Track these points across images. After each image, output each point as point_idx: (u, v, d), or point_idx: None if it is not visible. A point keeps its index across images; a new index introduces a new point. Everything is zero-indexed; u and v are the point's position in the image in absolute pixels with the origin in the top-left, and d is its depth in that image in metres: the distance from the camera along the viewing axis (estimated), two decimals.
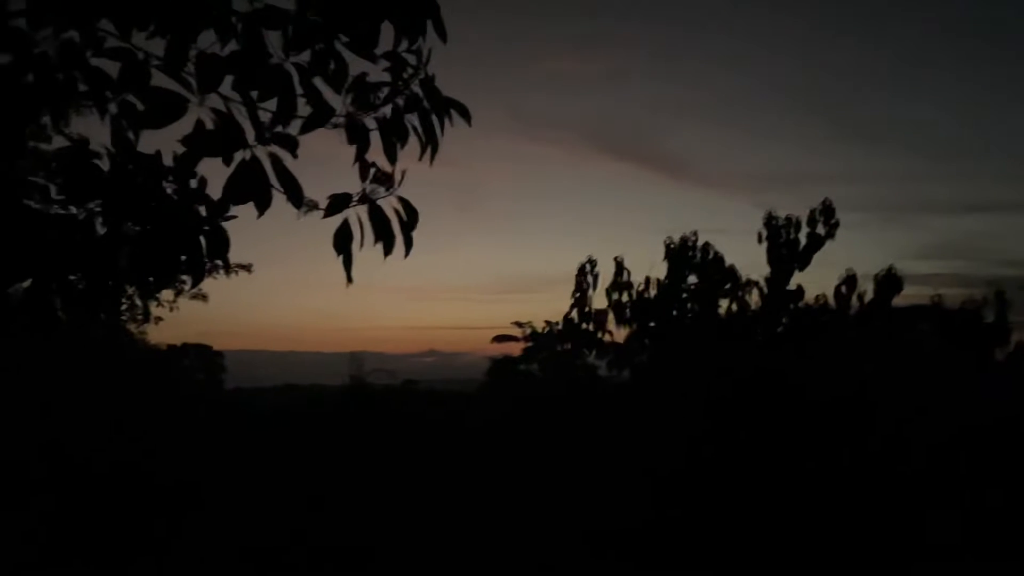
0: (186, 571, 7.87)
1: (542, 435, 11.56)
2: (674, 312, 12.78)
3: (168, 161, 3.02)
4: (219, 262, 3.12)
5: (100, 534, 7.99)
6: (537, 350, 13.15)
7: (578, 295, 13.10)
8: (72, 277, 3.02)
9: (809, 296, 12.45)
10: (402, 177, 3.06)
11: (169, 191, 3.05)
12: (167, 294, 11.67)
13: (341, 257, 3.05)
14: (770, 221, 12.49)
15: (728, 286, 12.69)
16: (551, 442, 11.26)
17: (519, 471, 10.86)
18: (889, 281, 12.15)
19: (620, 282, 13.10)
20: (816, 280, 12.69)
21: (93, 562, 7.61)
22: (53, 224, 2.94)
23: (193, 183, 3.08)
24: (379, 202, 3.07)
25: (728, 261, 12.78)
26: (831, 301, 12.38)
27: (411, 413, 12.75)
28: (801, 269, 12.40)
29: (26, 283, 2.97)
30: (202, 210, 3.08)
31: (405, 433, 12.15)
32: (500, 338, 13.05)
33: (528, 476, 10.71)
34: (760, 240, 12.48)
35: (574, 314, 13.05)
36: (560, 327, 13.21)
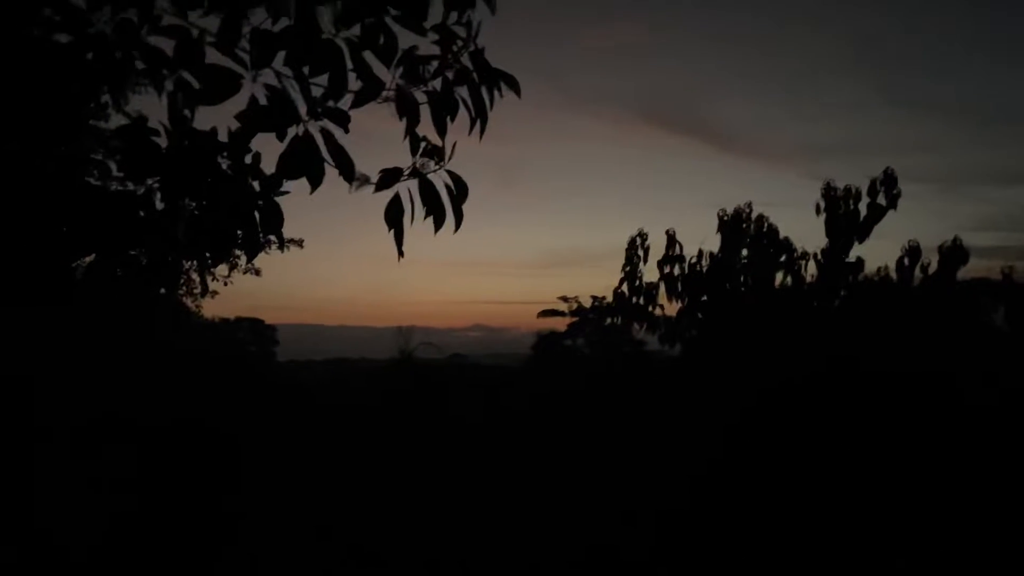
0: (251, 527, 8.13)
1: (586, 413, 11.52)
2: (727, 285, 12.59)
3: (223, 137, 3.06)
4: (273, 237, 3.16)
5: (168, 490, 8.26)
6: (583, 325, 13.11)
7: (628, 268, 12.99)
8: (133, 252, 3.10)
9: (869, 269, 12.13)
10: (452, 151, 3.05)
11: (224, 167, 3.09)
12: (222, 269, 11.92)
13: (392, 231, 3.06)
14: (829, 191, 12.17)
15: (783, 259, 12.44)
16: (594, 421, 11.23)
17: (557, 452, 10.84)
18: (955, 252, 11.75)
19: (672, 255, 12.94)
20: (875, 253, 12.35)
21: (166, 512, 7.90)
22: (114, 201, 3.01)
23: (247, 159, 3.12)
24: (429, 176, 3.07)
25: (782, 233, 12.52)
26: (892, 274, 12.04)
27: (457, 388, 12.86)
28: (860, 241, 12.07)
29: (90, 258, 3.05)
30: (256, 185, 3.13)
31: (451, 409, 12.26)
32: (546, 313, 13.04)
33: (566, 458, 10.67)
34: (818, 211, 12.17)
35: (624, 288, 12.96)
36: (608, 301, 13.13)
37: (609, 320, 13.10)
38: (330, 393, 13.28)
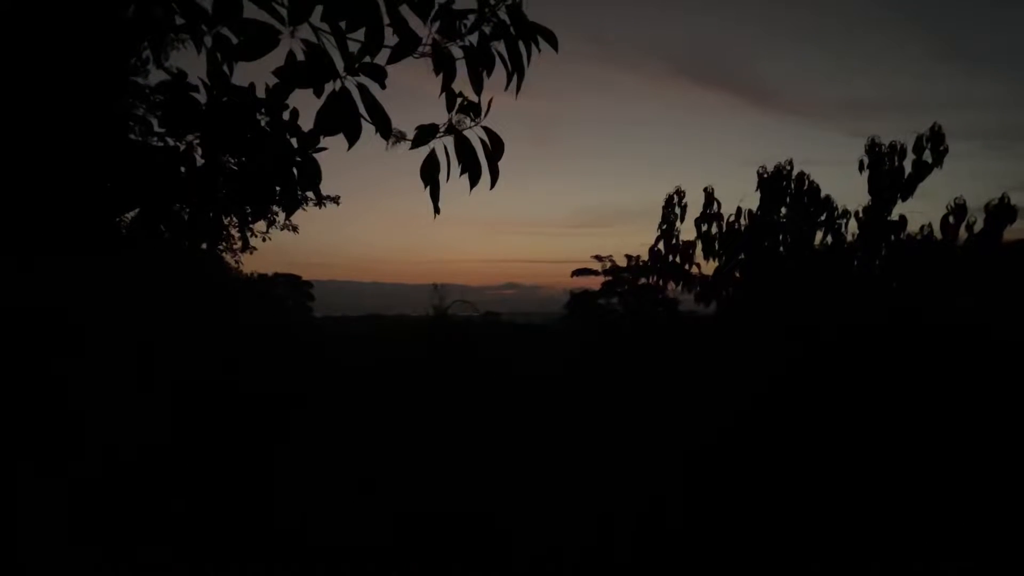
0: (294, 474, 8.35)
1: (618, 371, 11.52)
2: (765, 243, 12.43)
3: (261, 93, 3.08)
4: (310, 193, 3.19)
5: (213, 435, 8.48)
6: (617, 284, 13.05)
7: (665, 227, 12.87)
8: (175, 207, 3.16)
9: (912, 228, 11.87)
10: (488, 107, 3.04)
11: (263, 123, 3.12)
12: (260, 225, 12.04)
13: (428, 188, 3.07)
14: (873, 148, 11.87)
15: (823, 217, 12.22)
16: (626, 379, 11.24)
17: (591, 410, 10.90)
18: (1002, 211, 11.43)
19: (709, 213, 12.78)
20: (919, 212, 12.04)
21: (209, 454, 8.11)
22: (155, 156, 3.06)
23: (285, 115, 3.14)
24: (465, 133, 3.06)
25: (823, 192, 12.27)
26: (937, 232, 11.77)
27: (493, 345, 12.92)
28: (904, 199, 11.79)
29: (133, 212, 3.12)
30: (294, 142, 3.15)
31: (487, 365, 12.33)
32: (580, 272, 12.98)
33: (603, 414, 10.73)
34: (861, 168, 11.89)
35: (660, 246, 12.86)
36: (643, 260, 13.05)
37: (644, 280, 13.02)
38: (370, 347, 13.44)
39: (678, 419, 9.98)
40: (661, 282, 12.85)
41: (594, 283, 13.29)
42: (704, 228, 12.85)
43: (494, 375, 11.98)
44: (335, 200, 12.16)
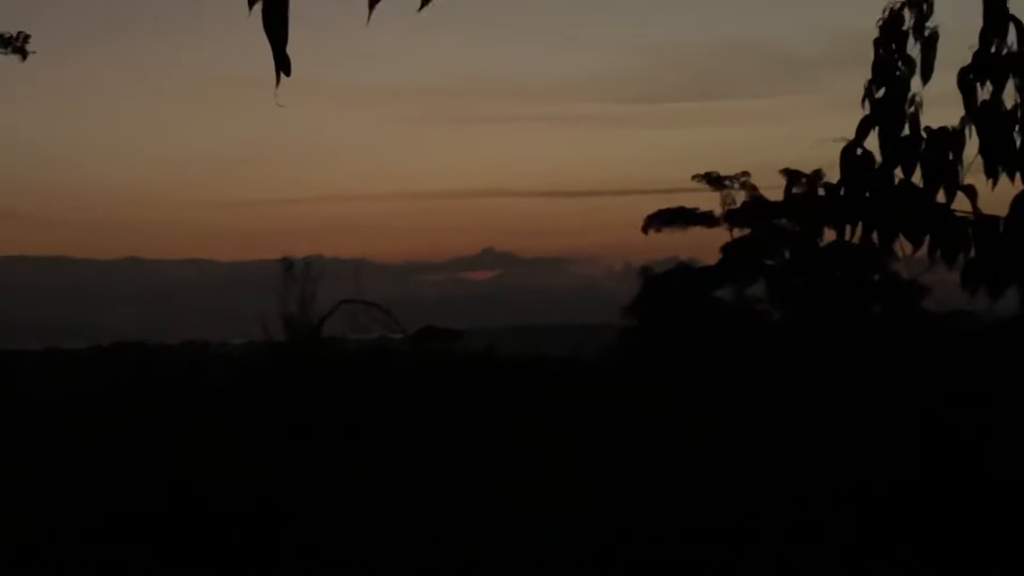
0: None
1: None
2: None
3: None
4: None
5: None
6: (764, 244, 5.29)
7: (883, 92, 4.92)
8: None
9: None
10: None
11: None
12: None
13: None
14: None
15: None
16: None
17: None
18: None
19: (1001, 56, 4.77)
20: None
21: None
22: None
23: None
24: None
25: None
26: None
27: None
28: None
29: None
30: None
31: None
32: (664, 218, 5.80)
33: None
34: None
35: (871, 146, 4.94)
36: (825, 182, 5.18)
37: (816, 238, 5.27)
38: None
39: None
40: (877, 236, 5.05)
41: (698, 242, 7.12)
42: (986, 94, 4.91)
43: None
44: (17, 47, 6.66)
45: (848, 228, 4.80)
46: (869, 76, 4.94)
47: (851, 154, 4.89)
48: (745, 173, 5.64)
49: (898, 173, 4.98)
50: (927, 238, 4.94)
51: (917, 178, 5.00)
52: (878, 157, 4.92)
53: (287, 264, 5.80)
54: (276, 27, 1.99)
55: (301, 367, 5.50)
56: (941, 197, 5.04)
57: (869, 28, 4.79)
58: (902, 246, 4.99)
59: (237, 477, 8.80)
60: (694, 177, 6.02)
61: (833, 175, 4.53)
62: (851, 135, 4.87)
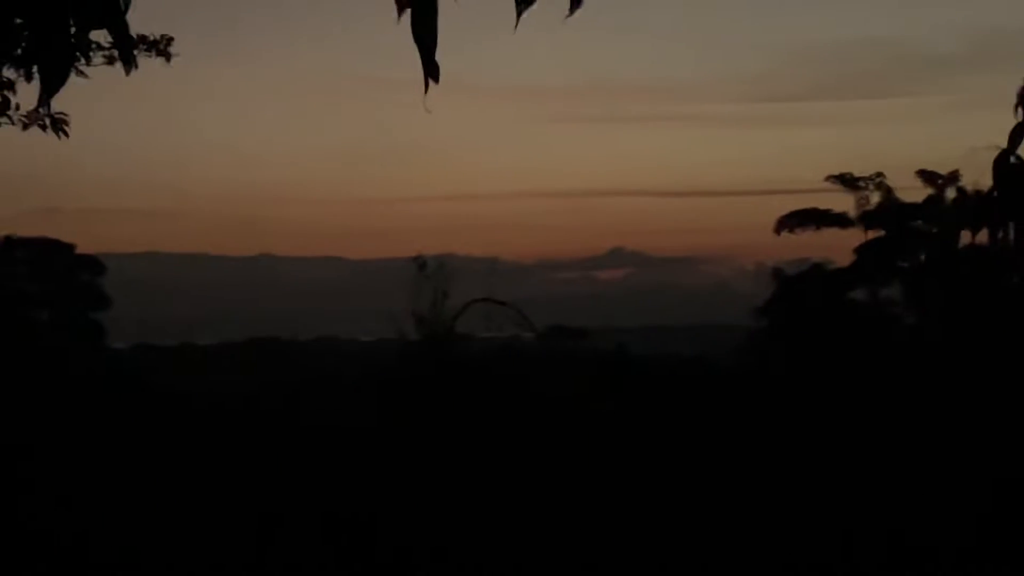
0: None
1: None
2: None
3: None
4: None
5: None
6: (902, 248, 5.26)
7: None
8: None
9: None
10: None
11: None
12: None
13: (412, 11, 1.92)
14: None
15: None
16: None
17: None
18: None
19: None
20: None
21: None
22: None
23: None
24: None
25: None
26: None
27: None
28: None
29: None
30: None
31: None
32: (796, 220, 6.06)
33: None
34: None
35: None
36: (965, 187, 5.01)
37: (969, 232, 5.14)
38: None
39: None
40: None
41: (830, 243, 7.09)
42: None
43: None
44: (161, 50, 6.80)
45: (1000, 232, 4.63)
46: (1020, 82, 4.73)
47: (1004, 161, 4.73)
48: (880, 174, 5.68)
49: None
50: None
51: None
52: None
53: (419, 262, 6.09)
54: (426, 34, 2.08)
55: (435, 366, 5.79)
56: None
57: (1007, 27, 4.52)
58: None
59: (380, 489, 9.38)
60: (828, 178, 6.11)
61: (968, 177, 4.34)
62: (988, 136, 4.74)
